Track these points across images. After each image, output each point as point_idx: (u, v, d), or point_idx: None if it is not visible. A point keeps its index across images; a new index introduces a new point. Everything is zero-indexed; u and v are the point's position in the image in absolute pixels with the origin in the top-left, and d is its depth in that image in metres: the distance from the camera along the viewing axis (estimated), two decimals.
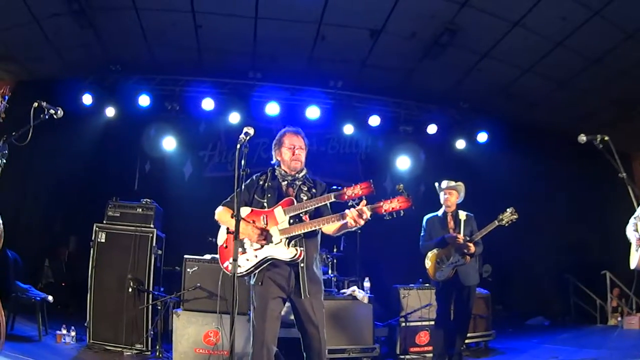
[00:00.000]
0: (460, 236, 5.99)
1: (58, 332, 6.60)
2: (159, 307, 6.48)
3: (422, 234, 6.42)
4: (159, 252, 6.96)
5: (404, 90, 10.09)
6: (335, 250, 8.10)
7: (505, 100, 10.00)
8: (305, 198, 3.99)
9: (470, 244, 5.89)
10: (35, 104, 3.92)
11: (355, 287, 7.05)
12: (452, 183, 6.40)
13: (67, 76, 9.10)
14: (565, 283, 10.83)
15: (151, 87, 9.58)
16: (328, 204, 3.88)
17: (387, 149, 11.06)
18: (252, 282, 3.91)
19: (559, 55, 8.10)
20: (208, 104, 9.59)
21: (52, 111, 3.99)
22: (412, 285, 7.43)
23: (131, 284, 6.51)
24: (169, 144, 9.97)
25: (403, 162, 10.87)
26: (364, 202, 3.60)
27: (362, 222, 3.62)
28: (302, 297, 3.82)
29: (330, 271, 7.83)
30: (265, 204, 4.01)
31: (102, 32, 7.98)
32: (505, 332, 8.75)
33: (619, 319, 9.21)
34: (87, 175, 9.55)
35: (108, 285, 6.57)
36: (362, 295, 6.80)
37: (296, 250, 3.77)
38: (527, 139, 10.64)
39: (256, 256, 3.84)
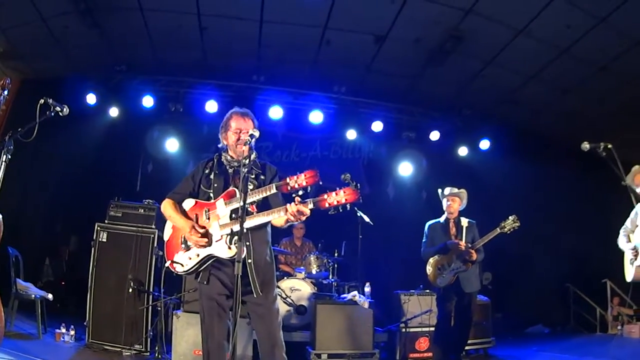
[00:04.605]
0: (462, 243, 6.00)
1: (57, 330, 6.59)
2: (159, 308, 6.47)
3: (423, 240, 6.44)
4: (160, 253, 6.92)
5: (407, 97, 10.10)
6: (336, 255, 8.11)
7: (508, 107, 10.00)
8: (251, 187, 3.70)
9: (472, 251, 5.90)
10: (42, 101, 3.93)
11: (355, 292, 7.04)
12: (455, 190, 6.41)
13: (72, 75, 9.11)
14: (565, 291, 10.80)
15: (155, 88, 9.60)
16: (280, 193, 3.57)
17: (390, 155, 11.06)
18: (198, 280, 3.78)
19: (564, 63, 8.09)
20: (212, 106, 9.59)
21: (58, 108, 4.00)
22: (413, 291, 7.43)
23: (131, 285, 6.49)
24: (172, 145, 9.98)
25: (405, 168, 10.85)
26: (298, 199, 3.39)
27: (302, 218, 3.42)
28: (255, 295, 3.65)
29: (330, 276, 7.85)
30: (211, 195, 3.83)
31: (108, 32, 7.99)
32: (505, 340, 8.70)
33: (620, 327, 9.18)
34: (89, 175, 9.54)
35: (108, 285, 6.56)
36: (362, 300, 6.80)
37: (237, 248, 3.40)
38: (530, 146, 10.63)
39: (198, 254, 3.69)
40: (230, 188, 3.72)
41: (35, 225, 9.43)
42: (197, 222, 3.75)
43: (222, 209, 3.65)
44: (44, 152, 8.91)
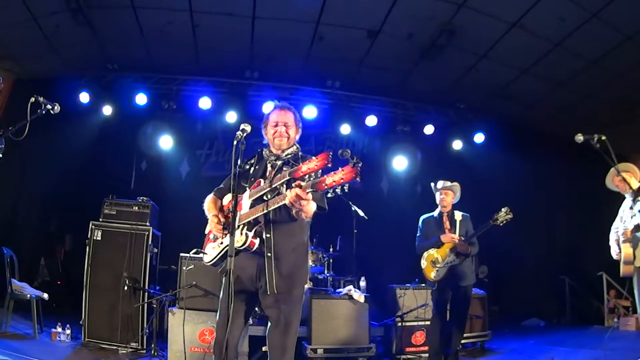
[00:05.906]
0: (456, 236, 6.00)
1: (53, 330, 6.59)
2: (155, 306, 6.47)
3: (418, 234, 6.43)
4: (155, 250, 6.95)
5: (401, 91, 10.09)
6: (331, 249, 8.11)
7: (502, 101, 10.01)
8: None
9: (466, 244, 5.90)
10: (33, 99, 3.91)
11: (351, 287, 7.03)
12: (448, 183, 6.40)
13: (64, 74, 9.09)
14: (561, 284, 10.82)
15: (148, 86, 9.58)
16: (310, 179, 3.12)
17: (384, 149, 11.04)
18: (219, 272, 3.68)
19: (557, 56, 8.09)
20: (205, 102, 9.59)
21: (49, 106, 3.98)
22: (408, 285, 7.42)
23: (127, 282, 6.51)
24: (166, 142, 9.94)
25: (400, 163, 10.84)
26: (296, 183, 3.09)
27: (303, 204, 3.10)
28: (268, 292, 3.40)
29: (326, 270, 7.84)
30: (247, 189, 3.66)
31: (99, 30, 7.96)
32: (501, 333, 8.73)
33: (615, 320, 9.21)
34: (83, 173, 9.52)
35: (103, 283, 6.57)
36: (358, 294, 6.79)
37: (246, 237, 3.34)
38: (524, 140, 10.66)
39: (220, 245, 3.63)
40: (259, 179, 3.63)
41: (30, 224, 9.39)
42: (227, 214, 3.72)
43: (246, 199, 3.57)
44: (38, 152, 8.89)
